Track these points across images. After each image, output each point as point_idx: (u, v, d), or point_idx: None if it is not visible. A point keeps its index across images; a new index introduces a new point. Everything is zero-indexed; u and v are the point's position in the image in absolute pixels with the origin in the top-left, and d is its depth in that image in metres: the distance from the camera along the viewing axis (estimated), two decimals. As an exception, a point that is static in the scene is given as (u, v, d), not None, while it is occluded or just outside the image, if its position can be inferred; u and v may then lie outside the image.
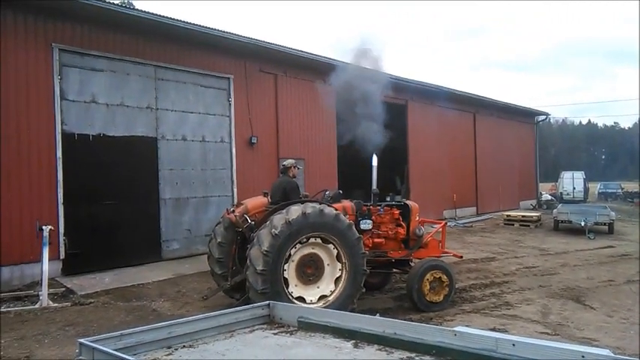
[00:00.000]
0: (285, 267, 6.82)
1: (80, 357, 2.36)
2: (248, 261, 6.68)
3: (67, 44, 10.17)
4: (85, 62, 10.50)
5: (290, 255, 6.86)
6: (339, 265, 7.18)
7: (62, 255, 9.94)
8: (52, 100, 9.92)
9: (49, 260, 8.59)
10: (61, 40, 10.11)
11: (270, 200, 7.95)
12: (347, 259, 7.13)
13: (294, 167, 8.18)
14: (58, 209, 9.93)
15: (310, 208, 6.90)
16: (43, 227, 8.57)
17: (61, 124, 10.06)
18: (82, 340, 2.41)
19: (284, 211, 6.86)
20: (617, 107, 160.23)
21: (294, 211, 6.78)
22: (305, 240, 6.98)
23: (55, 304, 8.17)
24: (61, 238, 9.92)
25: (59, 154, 9.99)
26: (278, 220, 6.69)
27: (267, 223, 6.80)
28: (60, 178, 9.98)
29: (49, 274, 8.53)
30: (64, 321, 7.40)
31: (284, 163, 8.34)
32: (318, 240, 7.09)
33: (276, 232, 6.57)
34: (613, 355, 2.46)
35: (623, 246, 15.63)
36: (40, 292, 8.22)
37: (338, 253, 7.16)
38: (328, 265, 7.20)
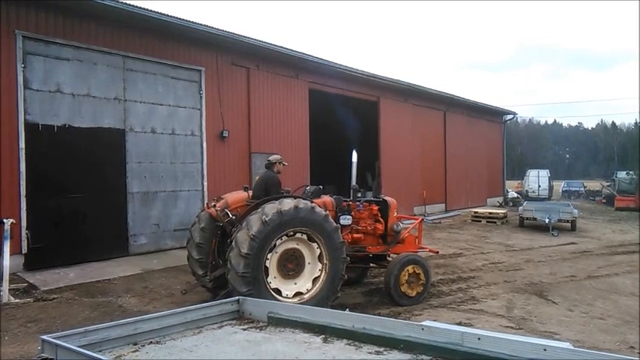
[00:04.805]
0: (268, 256, 6.83)
1: (42, 354, 2.30)
2: (233, 244, 6.64)
3: (31, 31, 9.82)
4: (51, 50, 10.16)
5: (275, 245, 6.88)
6: (319, 266, 7.22)
7: (24, 249, 9.63)
8: (14, 89, 9.56)
9: (11, 255, 8.31)
10: (26, 27, 9.75)
11: (251, 195, 7.93)
12: (328, 261, 7.17)
13: (280, 163, 8.13)
14: (20, 202, 9.61)
15: (303, 203, 6.96)
16: (4, 220, 8.30)
17: (24, 114, 9.73)
18: (44, 337, 2.35)
19: (277, 201, 6.88)
20: (580, 108, 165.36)
21: (287, 203, 6.83)
22: (292, 233, 7.01)
23: (17, 300, 7.91)
24: (24, 231, 9.60)
25: (22, 144, 9.66)
26: (270, 208, 6.71)
27: (259, 210, 6.77)
28: (22, 170, 9.66)
29: (10, 269, 8.26)
30: (25, 317, 7.18)
31: (269, 158, 8.28)
32: (304, 236, 7.12)
33: (267, 219, 6.57)
34: (573, 347, 2.55)
35: (584, 243, 16.16)
36: (0, 288, 7.96)
37: (320, 254, 7.19)
38: (309, 263, 7.23)
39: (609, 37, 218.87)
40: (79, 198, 10.56)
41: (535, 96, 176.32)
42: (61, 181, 10.31)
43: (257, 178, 8.55)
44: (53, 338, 2.34)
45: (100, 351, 2.46)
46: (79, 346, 2.31)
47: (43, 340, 2.33)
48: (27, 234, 9.65)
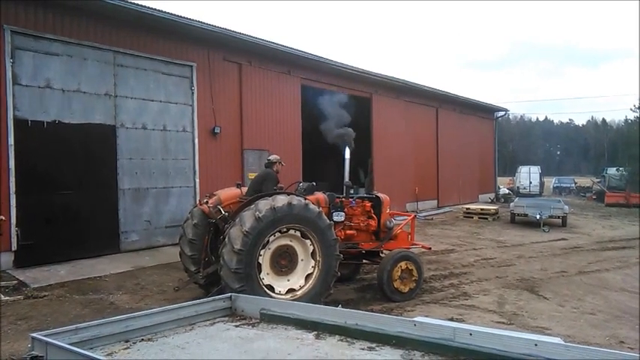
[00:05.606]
0: (261, 252, 6.82)
1: (32, 352, 2.27)
2: (226, 240, 6.63)
3: (20, 26, 9.70)
4: (40, 46, 10.05)
5: (268, 242, 6.88)
6: (312, 262, 7.22)
7: (14, 246, 9.54)
8: (3, 84, 9.45)
9: (0, 252, 8.24)
10: (14, 21, 9.63)
11: (247, 191, 7.94)
12: (321, 258, 7.18)
13: (279, 163, 8.28)
14: (9, 199, 9.51)
15: (296, 200, 6.96)
16: (-6, 217, 8.22)
17: (13, 110, 9.62)
18: (34, 335, 2.32)
19: (270, 198, 6.88)
20: (571, 105, 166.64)
21: (281, 199, 6.83)
22: (285, 230, 7.00)
23: (7, 298, 7.85)
24: (14, 228, 9.51)
25: (11, 141, 9.56)
26: (264, 204, 6.71)
27: (252, 206, 6.78)
28: (12, 167, 9.56)
29: (0, 267, 8.19)
30: (15, 315, 7.12)
31: (269, 157, 8.45)
32: (297, 233, 7.12)
33: (260, 215, 6.57)
34: (563, 342, 2.57)
35: (575, 239, 16.29)
36: (-10, 285, 7.89)
37: (314, 250, 7.20)
38: (302, 260, 7.23)
39: (600, 35, 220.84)
40: (69, 195, 10.48)
41: (531, 93, 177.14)
42: (52, 177, 10.22)
43: (254, 175, 8.60)
44: (43, 336, 2.31)
45: (91, 348, 2.45)
46: (69, 344, 2.29)
47: (33, 338, 2.30)
48: (17, 231, 9.56)
